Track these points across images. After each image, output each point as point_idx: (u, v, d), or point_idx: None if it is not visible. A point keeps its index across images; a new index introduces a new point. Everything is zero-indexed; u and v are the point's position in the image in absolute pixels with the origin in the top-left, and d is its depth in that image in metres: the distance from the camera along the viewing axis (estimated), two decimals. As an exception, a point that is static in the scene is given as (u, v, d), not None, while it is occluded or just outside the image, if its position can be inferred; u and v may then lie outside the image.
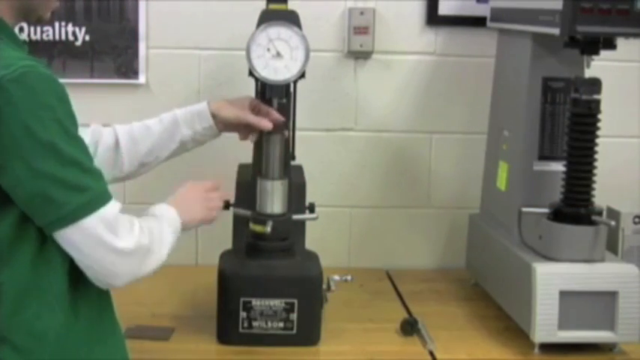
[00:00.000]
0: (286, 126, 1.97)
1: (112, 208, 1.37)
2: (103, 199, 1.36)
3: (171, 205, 1.58)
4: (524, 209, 2.01)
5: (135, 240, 1.39)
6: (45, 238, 1.38)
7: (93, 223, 1.34)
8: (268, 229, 1.92)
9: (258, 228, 1.95)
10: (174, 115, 1.87)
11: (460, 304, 2.25)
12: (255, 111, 1.92)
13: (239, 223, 2.05)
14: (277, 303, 1.93)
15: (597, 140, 1.93)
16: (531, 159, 2.07)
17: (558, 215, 1.96)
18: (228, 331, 1.94)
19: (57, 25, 2.37)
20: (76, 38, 2.39)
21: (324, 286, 2.00)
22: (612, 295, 1.91)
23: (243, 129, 1.91)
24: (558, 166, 2.00)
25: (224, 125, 1.89)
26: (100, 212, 1.35)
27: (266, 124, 1.88)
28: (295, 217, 2.01)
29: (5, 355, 1.37)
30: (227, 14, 2.41)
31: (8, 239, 1.36)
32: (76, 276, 1.42)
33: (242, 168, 2.16)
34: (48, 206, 1.32)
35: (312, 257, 2.02)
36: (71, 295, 1.42)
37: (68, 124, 1.34)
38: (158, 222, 1.51)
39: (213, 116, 1.87)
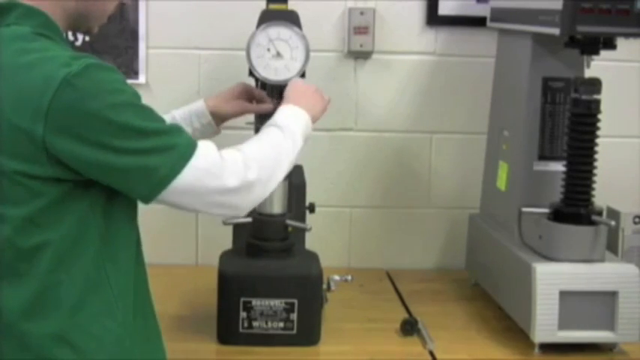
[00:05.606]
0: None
1: (202, 154, 1.38)
2: (191, 149, 1.37)
3: (297, 106, 1.65)
4: (524, 209, 2.01)
5: (239, 176, 1.41)
6: (107, 237, 1.38)
7: (190, 174, 1.35)
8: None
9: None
10: (172, 115, 1.87)
11: (460, 304, 2.25)
12: (249, 97, 1.94)
13: (239, 223, 2.05)
14: (277, 303, 1.93)
15: (597, 140, 1.93)
16: (531, 159, 2.07)
17: (558, 215, 1.96)
18: (228, 331, 1.94)
19: (57, 25, 2.37)
20: (75, 38, 2.38)
21: (324, 286, 2.00)
22: (612, 295, 1.91)
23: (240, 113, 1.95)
24: (558, 166, 2.00)
25: (222, 120, 1.92)
26: (193, 162, 1.36)
27: (267, 108, 1.89)
28: (289, 222, 1.99)
29: (63, 356, 1.36)
30: (227, 14, 2.41)
31: (70, 238, 1.36)
32: (135, 276, 1.43)
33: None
34: (143, 175, 1.34)
35: (312, 257, 2.02)
36: (132, 295, 1.42)
37: (136, 100, 1.36)
38: (278, 138, 1.55)
39: (212, 114, 1.88)
